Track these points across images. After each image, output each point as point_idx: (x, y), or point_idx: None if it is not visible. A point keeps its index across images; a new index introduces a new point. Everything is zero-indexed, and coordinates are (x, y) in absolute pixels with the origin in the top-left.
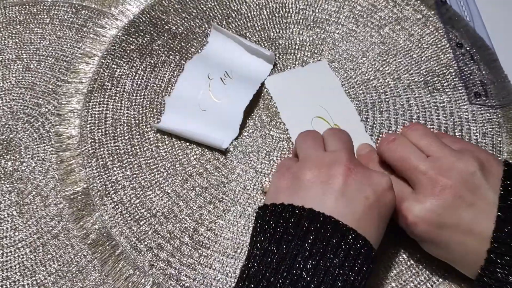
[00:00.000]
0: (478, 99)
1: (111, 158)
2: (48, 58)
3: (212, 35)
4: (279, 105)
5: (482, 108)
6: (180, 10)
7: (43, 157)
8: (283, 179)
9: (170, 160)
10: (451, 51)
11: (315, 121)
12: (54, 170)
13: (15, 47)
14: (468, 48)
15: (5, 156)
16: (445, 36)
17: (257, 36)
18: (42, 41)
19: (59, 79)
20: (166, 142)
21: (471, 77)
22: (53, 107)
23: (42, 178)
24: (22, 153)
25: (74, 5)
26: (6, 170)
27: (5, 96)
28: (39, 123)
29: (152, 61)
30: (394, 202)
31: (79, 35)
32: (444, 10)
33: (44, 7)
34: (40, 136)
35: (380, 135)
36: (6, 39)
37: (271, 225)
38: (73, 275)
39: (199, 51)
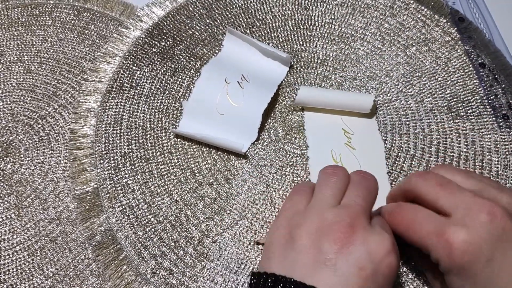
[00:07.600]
0: (507, 122)
1: (123, 161)
2: (50, 60)
3: (227, 38)
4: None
5: (505, 139)
6: (205, 16)
7: (42, 159)
8: (278, 234)
9: (182, 167)
10: (477, 76)
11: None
12: (53, 173)
13: (17, 48)
14: (491, 69)
15: (4, 159)
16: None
17: (280, 47)
18: (43, 43)
19: (59, 81)
20: (179, 149)
21: (497, 99)
22: (53, 109)
23: (41, 181)
24: (22, 155)
25: (76, 7)
26: (6, 172)
27: (6, 98)
28: (39, 125)
29: (173, 66)
30: (396, 266)
31: (81, 38)
32: (463, 29)
33: (46, 9)
34: (40, 138)
35: (398, 159)
36: (8, 41)
37: None
38: (71, 280)
39: (215, 55)
